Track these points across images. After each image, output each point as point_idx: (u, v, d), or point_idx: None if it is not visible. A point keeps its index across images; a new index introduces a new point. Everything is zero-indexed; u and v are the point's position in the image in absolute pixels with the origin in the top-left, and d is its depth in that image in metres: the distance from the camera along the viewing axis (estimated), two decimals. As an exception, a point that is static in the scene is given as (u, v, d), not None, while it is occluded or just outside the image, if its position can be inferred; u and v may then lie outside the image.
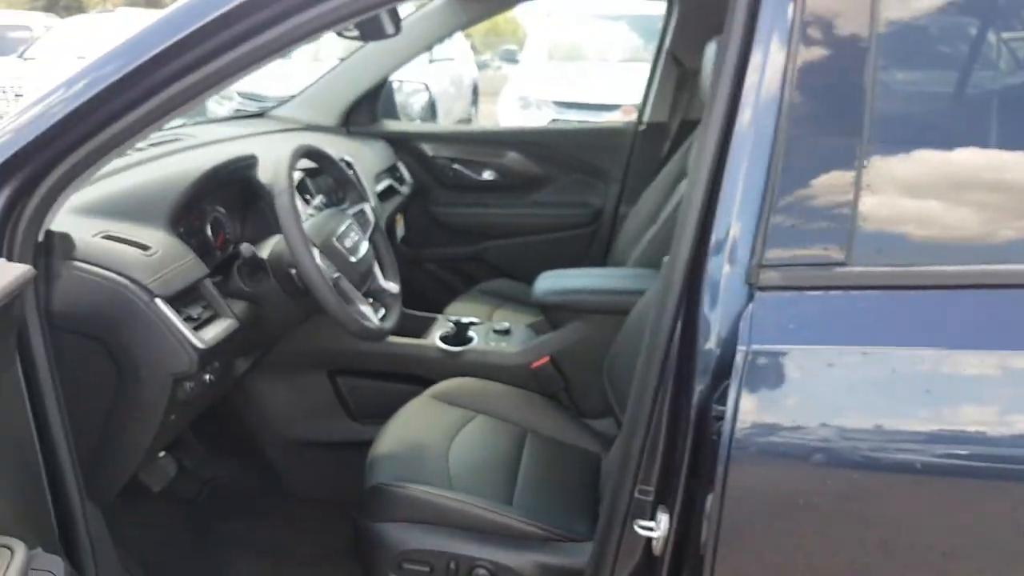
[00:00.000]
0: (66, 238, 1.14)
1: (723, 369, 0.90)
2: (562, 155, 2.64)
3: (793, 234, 0.91)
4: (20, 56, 7.38)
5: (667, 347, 0.96)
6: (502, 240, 2.67)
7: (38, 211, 1.03)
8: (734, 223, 0.91)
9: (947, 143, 0.94)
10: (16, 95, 6.43)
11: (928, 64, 0.98)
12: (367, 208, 1.76)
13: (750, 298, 0.90)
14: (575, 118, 5.50)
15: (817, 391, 0.89)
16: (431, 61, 6.50)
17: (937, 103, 0.99)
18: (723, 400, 0.90)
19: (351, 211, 1.71)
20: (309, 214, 1.62)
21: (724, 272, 0.91)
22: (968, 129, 0.95)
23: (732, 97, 0.92)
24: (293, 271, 1.44)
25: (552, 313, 1.88)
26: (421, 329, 2.00)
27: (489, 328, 1.95)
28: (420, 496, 1.33)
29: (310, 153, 1.60)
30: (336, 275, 1.47)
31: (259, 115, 2.50)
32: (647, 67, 2.67)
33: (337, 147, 2.23)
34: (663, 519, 0.98)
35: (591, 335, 1.82)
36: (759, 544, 0.92)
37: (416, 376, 1.87)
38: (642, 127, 2.58)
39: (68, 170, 1.03)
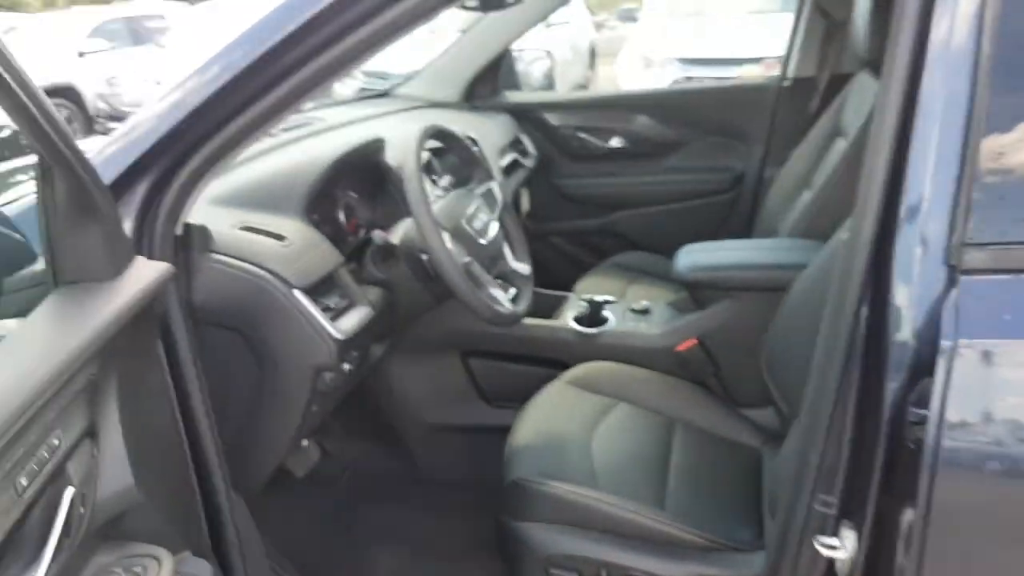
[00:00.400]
0: (204, 231, 1.14)
1: (921, 366, 0.78)
2: (696, 116, 2.46)
3: (1002, 205, 0.76)
4: (157, 45, 7.86)
5: (851, 337, 0.84)
6: (634, 210, 2.53)
7: (176, 203, 1.02)
8: (928, 195, 0.78)
9: None
10: (156, 83, 6.83)
11: None
12: (495, 187, 1.69)
13: (952, 282, 0.77)
14: (702, 75, 5.19)
15: None
16: (547, 26, 6.34)
17: None
18: (921, 402, 0.78)
19: (479, 191, 1.65)
20: (437, 195, 1.58)
21: (918, 251, 0.78)
22: None
23: (916, 49, 0.79)
24: (424, 257, 1.40)
25: (697, 291, 1.74)
26: (552, 308, 1.92)
27: (626, 307, 1.84)
28: (565, 496, 1.26)
29: (437, 134, 1.55)
30: (467, 259, 1.41)
31: (383, 94, 2.49)
32: (777, 19, 2.43)
33: (461, 123, 2.17)
34: (849, 537, 0.86)
35: (742, 315, 1.67)
36: (968, 571, 0.80)
37: (550, 358, 1.79)
38: (787, 82, 2.35)
39: (204, 160, 1.01)
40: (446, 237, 1.38)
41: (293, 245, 1.26)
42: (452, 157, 1.84)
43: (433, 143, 1.66)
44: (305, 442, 1.51)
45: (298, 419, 1.26)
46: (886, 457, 0.81)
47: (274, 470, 1.34)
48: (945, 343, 0.75)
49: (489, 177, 1.72)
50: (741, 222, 2.40)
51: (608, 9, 12.11)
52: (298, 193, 1.37)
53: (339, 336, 1.23)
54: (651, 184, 2.51)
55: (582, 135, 2.56)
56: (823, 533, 0.89)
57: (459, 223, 1.47)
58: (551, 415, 1.50)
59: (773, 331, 1.48)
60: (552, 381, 1.62)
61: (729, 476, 1.41)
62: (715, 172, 2.45)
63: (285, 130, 1.73)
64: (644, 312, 1.81)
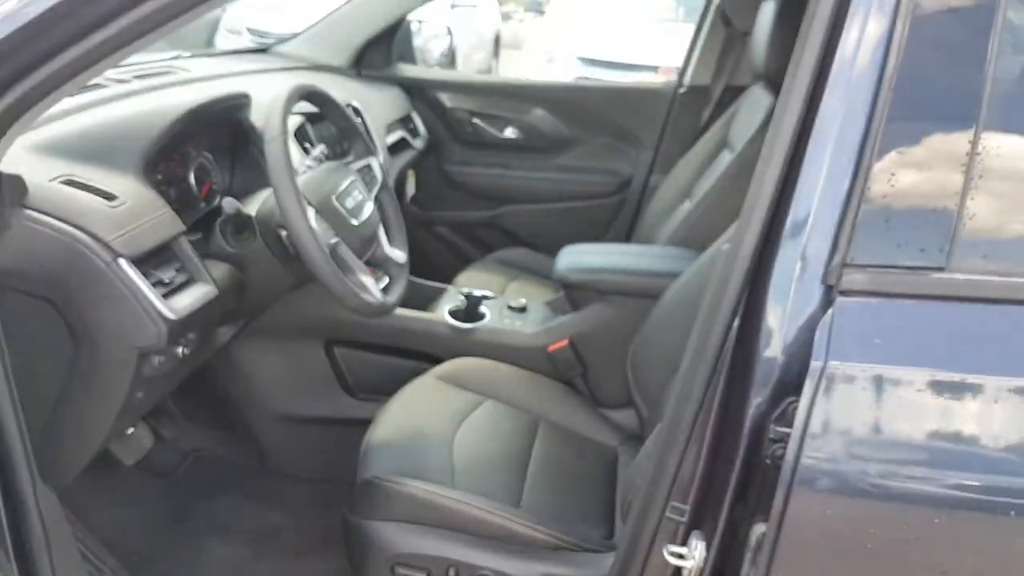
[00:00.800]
0: (17, 181, 0.97)
1: (787, 385, 0.78)
2: (593, 115, 2.43)
3: (886, 229, 0.76)
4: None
5: (719, 350, 0.83)
6: (521, 205, 2.48)
7: None
8: (814, 212, 0.77)
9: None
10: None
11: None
12: (374, 163, 1.57)
13: (828, 303, 0.76)
14: (600, 76, 5.23)
15: (902, 422, 0.76)
16: (453, 6, 6.20)
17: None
18: (783, 420, 0.78)
19: (356, 166, 1.52)
20: (308, 166, 1.44)
21: (797, 268, 0.77)
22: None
23: (820, 64, 0.78)
24: (283, 233, 1.27)
25: (574, 292, 1.72)
26: (429, 300, 1.84)
27: (504, 304, 1.79)
28: (418, 495, 1.21)
29: (310, 95, 1.41)
30: (334, 240, 1.29)
31: (262, 50, 2.30)
32: (680, 28, 2.44)
33: (345, 91, 2.04)
34: (698, 547, 0.86)
35: (615, 318, 1.67)
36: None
37: (421, 352, 1.72)
38: (682, 90, 2.37)
39: (31, 91, 0.86)
40: (311, 213, 1.26)
41: (124, 206, 1.11)
42: (329, 126, 1.70)
43: (306, 106, 1.52)
44: (131, 429, 1.34)
45: (117, 406, 1.12)
46: (742, 471, 0.81)
47: (91, 460, 1.19)
48: (815, 363, 0.74)
49: (369, 152, 1.60)
50: (625, 226, 2.41)
51: (517, -1, 12.06)
52: (138, 146, 1.21)
53: (171, 315, 1.09)
54: (540, 180, 2.47)
55: (476, 121, 2.48)
56: (673, 541, 0.88)
57: (328, 199, 1.34)
58: (415, 410, 1.45)
59: (641, 336, 1.49)
60: (420, 376, 1.55)
61: (586, 475, 1.42)
62: (603, 174, 2.44)
63: (140, 77, 1.54)
64: (521, 310, 1.78)
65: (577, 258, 1.72)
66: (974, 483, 0.75)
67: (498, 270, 2.19)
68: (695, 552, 0.85)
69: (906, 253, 0.76)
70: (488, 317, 1.74)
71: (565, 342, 1.68)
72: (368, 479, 1.24)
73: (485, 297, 1.80)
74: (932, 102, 0.77)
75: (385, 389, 1.54)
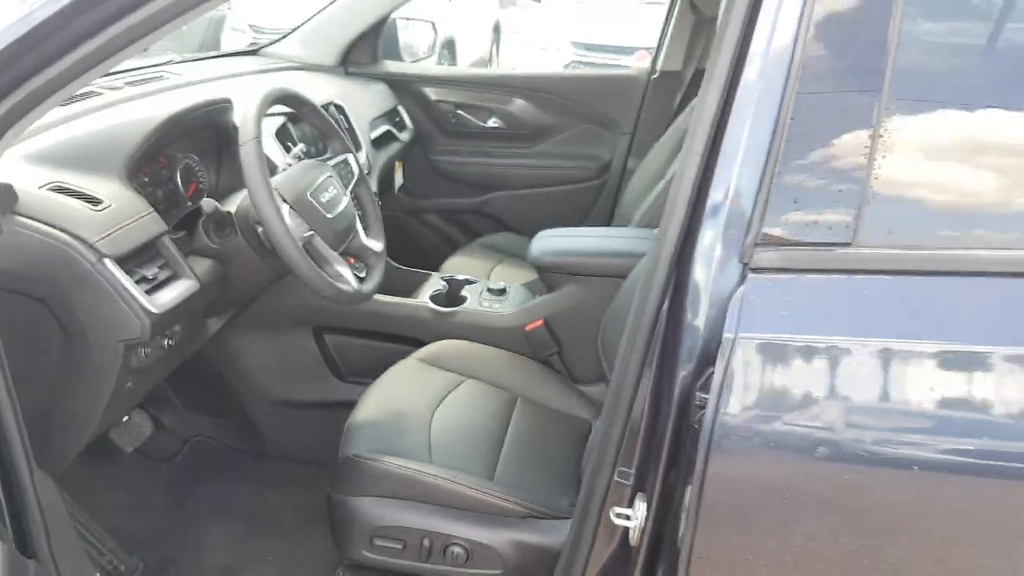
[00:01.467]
0: (8, 189, 1.05)
1: (708, 355, 0.83)
2: (572, 103, 2.50)
3: (794, 208, 0.80)
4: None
5: (653, 325, 0.89)
6: (505, 192, 2.55)
7: None
8: (731, 192, 0.82)
9: (978, 107, 0.82)
10: None
11: (960, 14, 0.86)
12: (351, 159, 1.65)
13: (742, 279, 0.81)
14: (594, 60, 5.26)
15: (806, 387, 0.80)
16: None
17: (971, 59, 0.87)
18: (707, 388, 0.83)
19: (333, 162, 1.60)
20: (287, 164, 1.52)
21: (717, 247, 0.82)
22: (1008, 91, 0.82)
23: (740, 46, 0.81)
24: (260, 228, 1.35)
25: (548, 274, 1.79)
26: (414, 286, 1.91)
27: (484, 287, 1.87)
28: (395, 470, 1.28)
29: (285, 98, 1.48)
30: (308, 234, 1.37)
31: (252, 52, 2.38)
32: (664, 10, 2.49)
33: (331, 88, 2.11)
34: (640, 508, 0.92)
35: (587, 298, 1.73)
36: (737, 541, 0.85)
37: (406, 336, 1.80)
38: (655, 75, 2.42)
39: (31, 94, 0.90)
40: (285, 209, 1.34)
41: (108, 209, 1.18)
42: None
43: (283, 108, 1.60)
44: (126, 417, 1.43)
45: (107, 396, 1.20)
46: (673, 436, 0.86)
47: (87, 446, 1.27)
48: (727, 335, 0.79)
49: (346, 148, 1.67)
50: (605, 209, 2.47)
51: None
52: (121, 153, 1.28)
53: (153, 310, 1.17)
54: (524, 167, 2.54)
55: (460, 112, 2.55)
56: (620, 503, 0.93)
57: (303, 195, 1.41)
58: (397, 391, 1.52)
59: (609, 314, 1.55)
60: (403, 359, 1.63)
61: (559, 447, 1.48)
62: (584, 159, 2.50)
63: (131, 84, 1.62)
64: (500, 292, 1.85)
65: (549, 242, 1.78)
66: (879, 441, 0.79)
67: (483, 255, 2.26)
68: (638, 513, 0.90)
69: (814, 230, 0.79)
70: (469, 300, 1.81)
71: (540, 322, 1.74)
72: (348, 456, 1.31)
73: (467, 281, 1.87)
74: (838, 81, 0.79)
75: (373, 372, 1.61)
